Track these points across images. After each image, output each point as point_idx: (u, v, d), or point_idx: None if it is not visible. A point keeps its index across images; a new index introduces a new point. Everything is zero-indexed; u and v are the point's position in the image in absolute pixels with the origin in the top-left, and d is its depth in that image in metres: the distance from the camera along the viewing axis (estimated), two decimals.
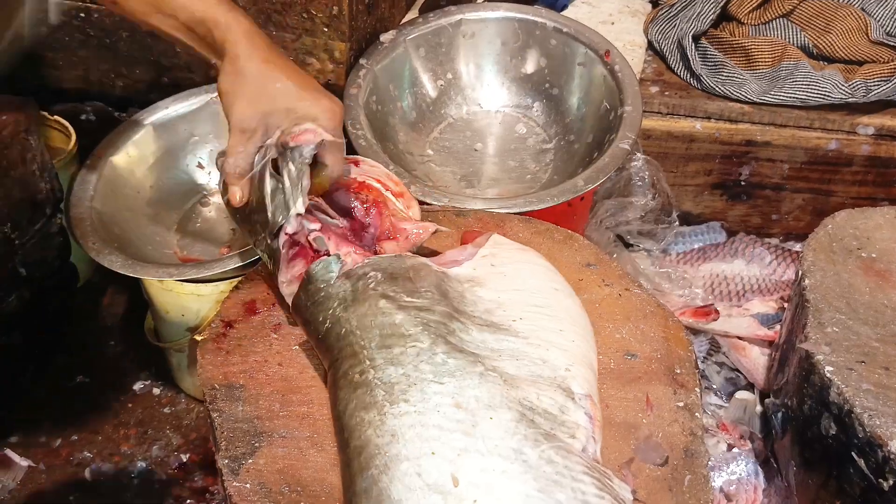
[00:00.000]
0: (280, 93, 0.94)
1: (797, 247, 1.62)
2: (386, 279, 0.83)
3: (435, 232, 0.98)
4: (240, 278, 1.07)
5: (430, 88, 1.49)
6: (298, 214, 0.93)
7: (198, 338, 0.96)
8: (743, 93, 1.49)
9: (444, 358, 0.73)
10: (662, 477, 0.79)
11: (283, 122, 0.94)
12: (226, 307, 0.98)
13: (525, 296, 0.87)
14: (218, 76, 0.96)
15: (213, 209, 1.40)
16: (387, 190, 1.03)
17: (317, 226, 0.94)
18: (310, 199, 0.95)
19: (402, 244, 0.98)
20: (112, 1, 0.99)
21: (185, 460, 1.29)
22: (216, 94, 1.36)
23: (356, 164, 1.04)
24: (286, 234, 0.93)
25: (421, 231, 0.98)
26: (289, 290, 0.92)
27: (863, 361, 0.94)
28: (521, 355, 0.78)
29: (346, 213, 1.00)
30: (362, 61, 1.42)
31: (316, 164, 0.97)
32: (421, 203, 1.22)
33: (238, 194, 0.98)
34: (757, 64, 1.55)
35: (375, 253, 0.95)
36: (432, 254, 0.99)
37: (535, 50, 1.49)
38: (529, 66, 1.50)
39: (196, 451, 1.30)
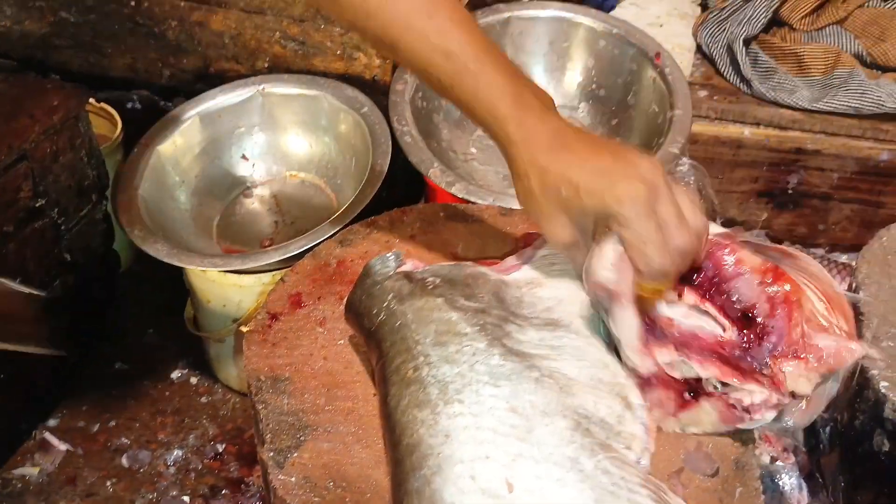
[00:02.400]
0: (569, 199, 0.75)
1: (843, 258, 1.59)
2: (444, 283, 0.81)
3: (863, 358, 0.75)
4: (284, 271, 1.07)
5: None
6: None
7: (244, 329, 0.96)
8: (794, 100, 1.46)
9: (499, 360, 0.72)
10: (713, 488, 0.77)
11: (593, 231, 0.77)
12: (271, 299, 0.97)
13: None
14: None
15: (256, 201, 1.40)
16: (811, 287, 0.76)
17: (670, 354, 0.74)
18: (694, 293, 0.77)
19: (812, 367, 0.73)
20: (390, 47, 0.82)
21: (220, 450, 1.30)
22: (262, 86, 1.40)
23: (788, 255, 0.79)
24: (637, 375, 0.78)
25: (844, 354, 0.73)
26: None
27: None
28: (582, 355, 0.77)
29: (742, 309, 0.77)
30: None
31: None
32: (465, 201, 1.22)
33: None
34: (809, 71, 1.53)
35: (773, 381, 0.74)
36: (492, 263, 0.93)
37: (583, 50, 1.47)
38: (577, 67, 1.48)
39: (232, 441, 1.31)
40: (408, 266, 0.84)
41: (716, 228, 0.81)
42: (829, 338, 0.74)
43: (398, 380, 0.73)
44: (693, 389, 0.77)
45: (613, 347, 0.80)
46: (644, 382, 0.78)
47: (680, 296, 0.79)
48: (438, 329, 0.75)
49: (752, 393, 0.74)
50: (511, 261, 0.91)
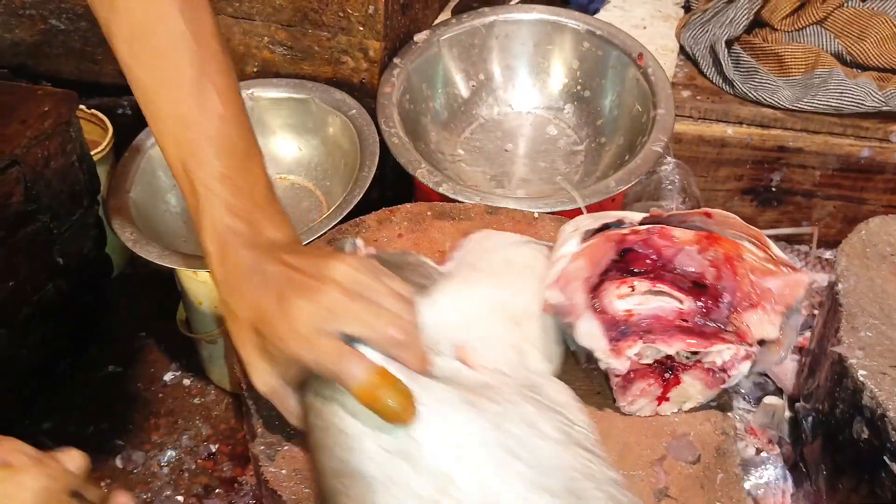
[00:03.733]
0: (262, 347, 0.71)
1: (827, 254, 1.61)
2: (391, 268, 0.77)
3: (811, 284, 0.80)
4: None
5: (462, 89, 1.50)
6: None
7: None
8: (776, 99, 1.49)
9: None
10: (694, 475, 0.79)
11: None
12: None
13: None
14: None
15: None
16: (743, 238, 0.82)
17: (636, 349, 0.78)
18: (644, 280, 0.80)
19: (771, 310, 0.79)
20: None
21: (213, 450, 1.31)
22: (251, 91, 1.41)
23: (708, 215, 0.84)
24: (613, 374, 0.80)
25: (795, 286, 0.78)
26: (635, 406, 0.82)
27: None
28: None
29: (692, 279, 0.83)
30: (396, 60, 1.43)
31: None
32: (452, 201, 1.23)
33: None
34: (790, 70, 1.55)
35: (738, 335, 0.79)
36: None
37: (567, 52, 1.50)
38: (562, 69, 1.50)
39: (225, 441, 1.32)
40: (363, 252, 0.85)
41: (637, 216, 0.85)
42: (777, 278, 0.79)
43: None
44: (669, 368, 0.80)
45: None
46: (625, 379, 0.81)
47: (633, 288, 0.82)
48: None
49: (721, 352, 0.78)
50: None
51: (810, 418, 1.07)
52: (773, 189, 1.58)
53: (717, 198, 1.61)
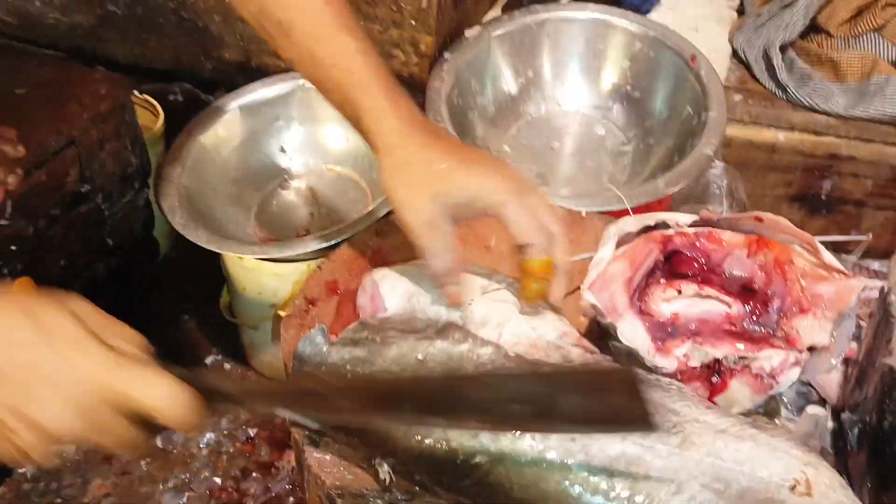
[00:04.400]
0: (448, 174, 0.77)
1: (875, 265, 1.58)
2: (381, 330, 0.78)
3: (864, 290, 0.79)
4: (320, 260, 1.10)
5: (511, 85, 1.50)
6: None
7: (281, 313, 0.98)
8: (830, 105, 1.47)
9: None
10: None
11: (467, 210, 0.78)
12: (309, 286, 1.00)
13: None
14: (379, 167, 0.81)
15: (293, 193, 1.43)
16: (794, 242, 0.81)
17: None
18: (690, 283, 0.79)
19: (821, 316, 0.78)
20: (289, 61, 0.86)
21: (252, 434, 1.32)
22: (302, 81, 1.42)
23: (759, 219, 0.82)
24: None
25: (846, 292, 0.77)
26: None
27: None
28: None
29: (741, 284, 0.82)
30: (446, 55, 1.43)
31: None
32: None
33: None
34: (845, 77, 1.53)
35: (788, 341, 0.78)
36: None
37: (618, 52, 1.48)
38: (611, 68, 1.49)
39: (263, 426, 1.33)
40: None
41: (685, 217, 0.85)
42: (828, 283, 0.78)
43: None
44: (717, 372, 0.79)
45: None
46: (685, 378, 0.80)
47: (679, 291, 0.82)
48: (435, 363, 0.74)
49: (770, 357, 0.77)
50: None
51: (856, 429, 1.05)
52: (823, 197, 1.55)
53: (765, 203, 1.59)
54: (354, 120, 0.82)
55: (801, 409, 1.29)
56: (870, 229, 1.57)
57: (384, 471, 0.73)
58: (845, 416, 1.12)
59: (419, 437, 0.70)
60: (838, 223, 1.58)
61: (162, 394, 0.59)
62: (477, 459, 0.68)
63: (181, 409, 0.59)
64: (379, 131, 0.79)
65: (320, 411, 0.66)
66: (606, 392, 0.61)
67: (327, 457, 0.79)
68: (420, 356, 0.74)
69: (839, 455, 1.15)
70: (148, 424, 0.61)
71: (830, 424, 1.23)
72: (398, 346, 0.77)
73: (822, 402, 1.31)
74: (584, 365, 0.75)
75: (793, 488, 0.68)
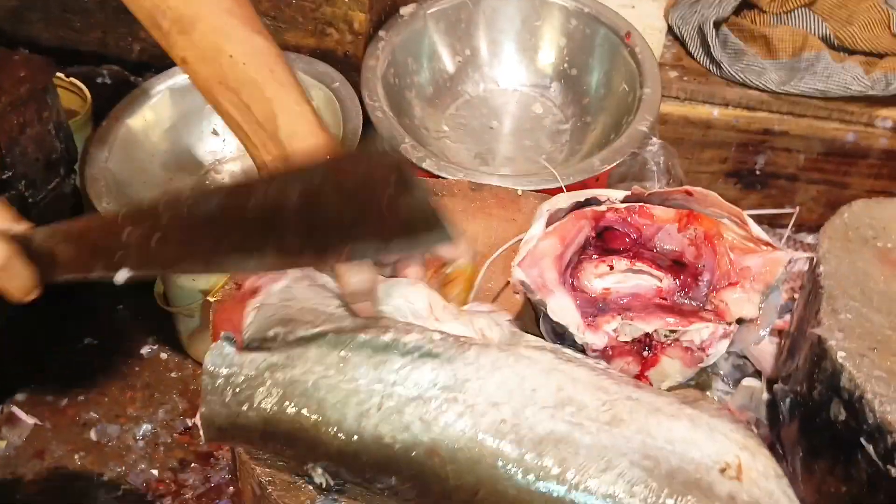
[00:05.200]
0: None
1: (809, 238, 1.61)
2: (292, 323, 0.74)
3: (790, 263, 0.80)
4: None
5: (448, 64, 1.49)
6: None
7: (211, 299, 0.96)
8: (763, 81, 1.48)
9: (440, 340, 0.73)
10: None
11: None
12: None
13: None
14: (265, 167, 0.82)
15: (227, 176, 1.40)
16: (723, 216, 0.81)
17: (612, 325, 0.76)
18: (622, 258, 0.80)
19: (749, 289, 0.78)
20: (182, 59, 0.84)
21: (190, 424, 1.30)
22: None
23: (689, 193, 0.83)
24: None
25: (774, 265, 0.78)
26: None
27: (875, 349, 0.93)
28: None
29: (671, 258, 0.83)
30: (381, 33, 1.41)
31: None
32: (436, 177, 1.22)
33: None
34: (777, 53, 1.54)
35: (717, 314, 0.79)
36: None
37: (554, 29, 1.48)
38: (548, 46, 1.49)
39: None
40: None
41: (618, 193, 0.85)
42: (756, 256, 0.79)
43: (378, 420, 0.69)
44: (648, 346, 0.79)
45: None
46: (603, 356, 0.80)
47: (611, 267, 0.82)
48: (361, 357, 0.72)
49: (700, 330, 0.78)
50: None
51: (788, 400, 1.07)
52: (758, 172, 1.58)
53: (701, 180, 1.60)
54: (263, 117, 0.79)
55: (737, 382, 1.31)
56: (802, 203, 1.61)
57: (318, 475, 0.72)
58: (777, 386, 1.14)
59: (351, 437, 0.68)
60: (772, 198, 1.61)
61: None
62: (411, 452, 0.68)
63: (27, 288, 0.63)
64: (301, 144, 0.78)
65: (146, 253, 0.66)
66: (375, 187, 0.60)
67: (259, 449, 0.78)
68: (343, 353, 0.72)
69: (773, 426, 1.17)
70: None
71: (765, 396, 1.25)
72: (317, 345, 0.74)
73: (758, 374, 1.33)
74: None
75: (723, 471, 0.69)
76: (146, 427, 1.29)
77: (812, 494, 0.97)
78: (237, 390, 0.72)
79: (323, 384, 0.70)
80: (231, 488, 1.22)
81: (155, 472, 1.23)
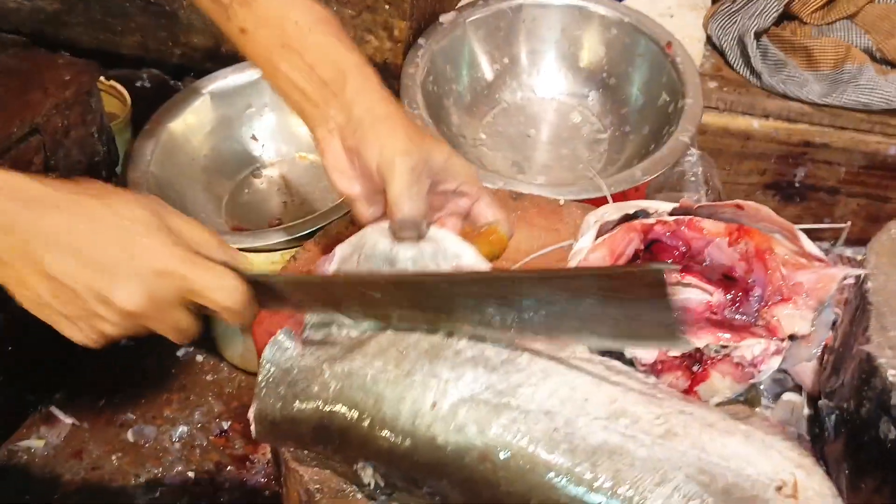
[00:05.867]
0: (440, 147, 0.80)
1: (848, 252, 1.59)
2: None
3: (844, 279, 0.78)
4: (294, 250, 1.07)
5: (486, 72, 1.48)
6: None
7: None
8: (804, 93, 1.47)
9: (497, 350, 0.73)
10: None
11: (441, 185, 0.80)
12: None
13: None
14: (337, 127, 0.80)
15: (265, 181, 1.41)
16: (774, 230, 0.80)
17: None
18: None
19: (802, 305, 0.77)
20: (240, 30, 0.84)
21: (226, 427, 1.30)
22: None
23: (740, 207, 0.82)
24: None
25: (827, 281, 0.76)
26: None
27: None
28: None
29: (722, 272, 0.81)
30: (421, 41, 1.42)
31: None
32: None
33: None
34: (818, 65, 1.53)
35: (769, 329, 0.77)
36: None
37: (594, 39, 1.48)
38: (588, 55, 1.49)
39: (237, 419, 1.31)
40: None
41: (665, 205, 0.84)
42: (808, 272, 0.77)
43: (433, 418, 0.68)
44: (698, 361, 0.78)
45: None
46: (652, 370, 0.80)
47: None
48: (418, 352, 0.71)
49: (752, 346, 0.77)
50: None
51: (833, 416, 1.05)
52: (797, 185, 1.56)
53: (739, 191, 1.59)
54: (329, 77, 0.79)
55: (777, 396, 1.30)
56: (842, 217, 1.59)
57: (368, 475, 0.71)
58: (822, 402, 1.13)
59: (405, 436, 0.68)
60: (812, 210, 1.59)
61: (223, 284, 0.66)
62: (464, 456, 0.67)
63: (238, 298, 0.67)
64: (368, 99, 0.78)
65: (360, 305, 0.71)
66: (628, 295, 0.61)
67: (305, 451, 0.78)
68: (401, 348, 0.72)
69: (815, 441, 1.16)
70: (202, 317, 0.69)
71: (806, 411, 1.23)
72: (376, 339, 0.74)
73: (798, 388, 1.32)
74: (605, 267, 0.74)
75: (779, 489, 0.68)
76: (182, 429, 1.30)
77: None
78: (293, 383, 0.72)
79: (381, 378, 0.70)
80: (266, 492, 1.22)
81: (191, 474, 1.24)
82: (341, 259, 0.80)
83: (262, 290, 0.70)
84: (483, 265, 0.78)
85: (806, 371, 1.30)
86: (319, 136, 0.81)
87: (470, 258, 0.78)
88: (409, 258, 0.77)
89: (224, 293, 0.66)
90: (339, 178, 0.81)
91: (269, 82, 0.84)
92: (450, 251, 0.78)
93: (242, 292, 0.67)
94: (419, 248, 0.77)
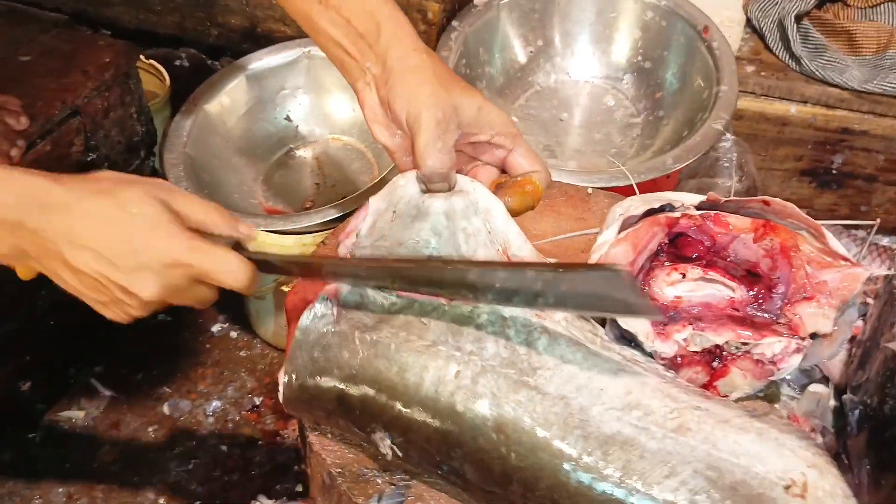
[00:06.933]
0: (474, 96, 0.79)
1: (885, 241, 1.57)
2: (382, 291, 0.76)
3: (868, 280, 0.77)
4: (325, 233, 1.09)
5: (519, 54, 1.48)
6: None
7: (285, 288, 0.98)
8: (844, 79, 1.44)
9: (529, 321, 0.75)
10: None
11: (474, 135, 0.79)
12: None
13: None
14: (373, 79, 0.80)
15: (299, 162, 1.42)
16: (800, 227, 0.79)
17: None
18: (695, 266, 0.79)
19: (825, 304, 0.76)
20: None
21: (258, 403, 1.34)
22: (308, 49, 1.41)
23: (767, 203, 0.81)
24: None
25: (851, 281, 0.76)
26: None
27: None
28: None
29: (746, 268, 0.81)
30: (454, 23, 1.41)
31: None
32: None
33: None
34: (860, 49, 1.50)
35: (791, 328, 0.77)
36: None
37: (629, 21, 1.46)
38: (623, 38, 1.47)
39: (269, 394, 1.35)
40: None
41: (692, 198, 0.83)
42: (833, 271, 0.76)
43: (453, 389, 0.70)
44: (718, 357, 0.79)
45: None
46: (672, 364, 0.80)
47: (684, 275, 0.81)
48: (442, 325, 0.73)
49: (772, 344, 0.77)
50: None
51: (857, 411, 1.05)
52: (834, 171, 1.54)
53: (774, 177, 1.57)
54: (364, 28, 0.80)
55: (803, 387, 1.29)
56: (880, 205, 1.56)
57: (385, 445, 0.73)
58: (846, 396, 1.12)
59: (426, 403, 0.70)
60: (848, 198, 1.57)
61: (229, 268, 0.71)
62: (479, 426, 0.69)
63: (243, 278, 0.72)
64: (401, 49, 0.78)
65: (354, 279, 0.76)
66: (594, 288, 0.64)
67: (328, 435, 0.80)
68: (426, 320, 0.74)
69: (839, 434, 1.15)
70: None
71: (832, 403, 1.23)
72: (404, 311, 0.76)
73: (825, 379, 1.31)
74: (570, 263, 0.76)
75: (787, 488, 0.68)
76: (216, 404, 1.33)
77: None
78: (326, 347, 0.74)
79: (405, 347, 0.72)
80: (296, 467, 1.25)
81: (224, 447, 1.28)
82: (376, 212, 0.81)
83: (265, 266, 0.75)
84: (510, 223, 0.78)
85: (834, 362, 1.29)
86: (359, 88, 0.82)
87: (500, 214, 0.78)
88: (441, 212, 0.78)
89: (229, 275, 0.71)
90: (378, 130, 0.82)
91: (313, 40, 0.86)
92: (480, 205, 0.78)
93: (245, 272, 0.72)
94: (450, 202, 0.78)
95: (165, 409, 1.33)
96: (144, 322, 1.44)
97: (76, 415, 1.32)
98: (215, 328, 1.46)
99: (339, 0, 0.81)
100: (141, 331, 1.42)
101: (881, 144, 1.47)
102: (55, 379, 1.33)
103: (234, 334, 1.45)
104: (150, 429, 1.30)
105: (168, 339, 1.43)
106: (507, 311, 0.74)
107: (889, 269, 0.86)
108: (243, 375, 1.38)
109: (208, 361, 1.40)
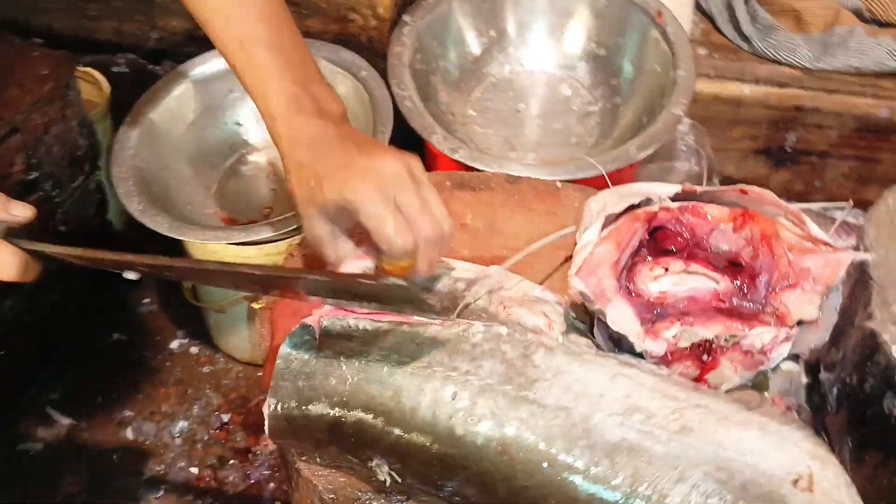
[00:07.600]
0: (315, 192, 0.77)
1: (837, 214, 1.59)
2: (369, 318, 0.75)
3: (851, 264, 0.78)
4: (287, 241, 1.06)
5: (473, 46, 1.45)
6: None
7: (255, 305, 0.95)
8: (795, 58, 1.45)
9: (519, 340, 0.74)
10: None
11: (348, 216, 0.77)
12: None
13: None
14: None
15: (253, 168, 1.38)
16: (779, 214, 0.78)
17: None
18: (677, 260, 0.78)
19: (810, 290, 0.76)
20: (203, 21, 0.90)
21: (226, 420, 1.30)
22: None
23: (743, 192, 0.80)
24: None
25: (835, 266, 0.75)
26: None
27: None
28: None
29: (727, 258, 0.80)
30: (406, 18, 1.38)
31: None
32: (470, 169, 1.20)
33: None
34: (808, 27, 1.51)
35: (777, 316, 0.77)
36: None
37: (583, 8, 1.44)
38: (577, 26, 1.45)
39: (237, 410, 1.31)
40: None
41: (671, 188, 0.83)
42: (816, 257, 0.76)
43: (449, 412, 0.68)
44: (707, 351, 0.78)
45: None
46: (662, 361, 0.79)
47: (666, 269, 0.80)
48: (435, 345, 0.72)
49: (761, 335, 0.77)
50: None
51: (835, 389, 1.06)
52: (788, 149, 1.55)
53: (730, 158, 1.58)
54: (245, 77, 0.86)
55: (775, 367, 1.30)
56: (833, 180, 1.59)
57: (384, 472, 0.71)
58: (824, 375, 1.13)
59: (424, 427, 0.68)
60: (802, 175, 1.59)
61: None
62: (482, 449, 0.67)
63: (11, 271, 0.74)
64: (286, 140, 0.81)
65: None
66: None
67: (316, 461, 0.77)
68: (419, 342, 0.71)
69: (817, 412, 1.17)
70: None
71: (804, 380, 1.24)
72: (394, 334, 0.73)
73: (794, 357, 1.32)
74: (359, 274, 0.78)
75: (795, 483, 0.68)
76: (182, 424, 1.29)
77: (862, 485, 0.96)
78: (311, 375, 0.71)
79: (399, 371, 0.70)
80: (271, 484, 1.22)
81: (194, 469, 1.24)
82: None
83: (40, 256, 0.77)
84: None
85: (802, 338, 1.30)
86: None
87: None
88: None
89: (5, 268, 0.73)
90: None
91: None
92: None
93: (15, 265, 0.74)
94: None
95: (129, 433, 1.28)
96: (99, 342, 1.40)
97: (34, 447, 1.26)
98: (174, 344, 1.41)
99: (245, 70, 0.85)
100: (96, 352, 1.37)
101: (833, 121, 1.50)
102: (8, 410, 1.27)
103: (194, 350, 1.40)
104: (115, 455, 1.25)
105: (126, 359, 1.37)
106: (503, 328, 0.72)
107: (869, 255, 0.86)
108: (208, 392, 1.34)
109: (170, 380, 1.35)
